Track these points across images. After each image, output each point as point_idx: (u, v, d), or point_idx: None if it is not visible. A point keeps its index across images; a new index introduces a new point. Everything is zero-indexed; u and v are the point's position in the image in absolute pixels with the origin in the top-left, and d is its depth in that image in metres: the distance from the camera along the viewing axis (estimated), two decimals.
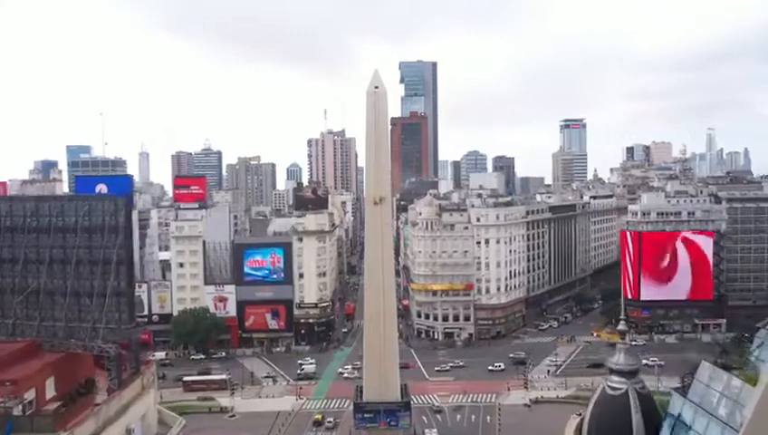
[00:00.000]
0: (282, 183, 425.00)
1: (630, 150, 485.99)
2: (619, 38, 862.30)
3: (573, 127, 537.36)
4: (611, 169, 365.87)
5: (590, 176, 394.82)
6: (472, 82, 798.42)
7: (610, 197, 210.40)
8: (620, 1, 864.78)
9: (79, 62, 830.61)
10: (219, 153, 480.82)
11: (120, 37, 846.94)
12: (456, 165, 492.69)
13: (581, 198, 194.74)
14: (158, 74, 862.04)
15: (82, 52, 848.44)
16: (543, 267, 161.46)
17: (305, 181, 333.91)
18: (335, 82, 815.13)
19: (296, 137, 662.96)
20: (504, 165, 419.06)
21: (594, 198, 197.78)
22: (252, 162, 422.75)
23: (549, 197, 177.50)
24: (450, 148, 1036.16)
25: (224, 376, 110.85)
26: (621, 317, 41.75)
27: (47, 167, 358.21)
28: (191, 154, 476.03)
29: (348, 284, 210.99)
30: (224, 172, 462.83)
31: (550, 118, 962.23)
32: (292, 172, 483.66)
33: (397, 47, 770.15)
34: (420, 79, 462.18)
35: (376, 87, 79.07)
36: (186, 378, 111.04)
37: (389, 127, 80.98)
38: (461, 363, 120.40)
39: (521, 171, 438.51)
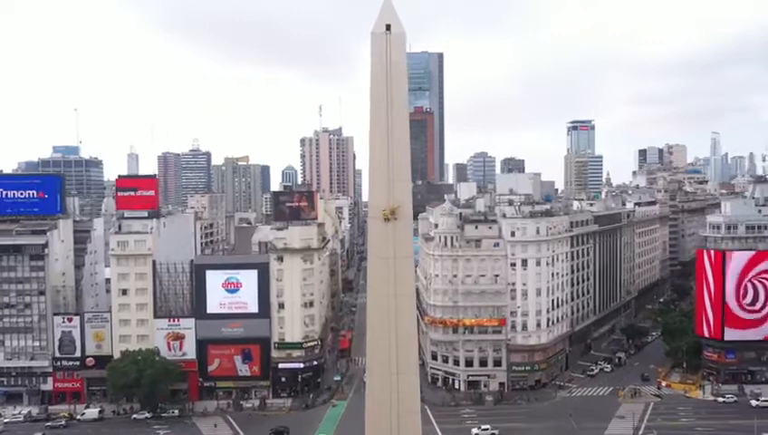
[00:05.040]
0: (276, 186, 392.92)
1: (643, 153, 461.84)
2: (619, 41, 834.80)
3: (582, 129, 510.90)
4: (633, 172, 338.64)
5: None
6: (472, 85, 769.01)
7: (654, 204, 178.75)
8: (620, 4, 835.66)
9: (80, 62, 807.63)
10: (208, 154, 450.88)
11: (122, 38, 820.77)
12: (461, 168, 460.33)
13: (623, 205, 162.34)
14: (157, 75, 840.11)
15: (84, 53, 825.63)
16: (588, 293, 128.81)
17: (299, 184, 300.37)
18: (334, 84, 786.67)
19: (292, 139, 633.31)
20: (515, 168, 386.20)
21: (638, 205, 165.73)
22: (240, 163, 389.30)
23: (590, 204, 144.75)
24: (450, 150, 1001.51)
25: None
26: None
27: (32, 168, 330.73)
28: (178, 155, 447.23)
29: (342, 305, 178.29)
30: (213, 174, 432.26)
31: (552, 121, 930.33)
32: (288, 175, 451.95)
33: None
34: (426, 72, 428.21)
35: (387, 26, 43.57)
36: None
37: (407, 96, 41.92)
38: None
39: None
